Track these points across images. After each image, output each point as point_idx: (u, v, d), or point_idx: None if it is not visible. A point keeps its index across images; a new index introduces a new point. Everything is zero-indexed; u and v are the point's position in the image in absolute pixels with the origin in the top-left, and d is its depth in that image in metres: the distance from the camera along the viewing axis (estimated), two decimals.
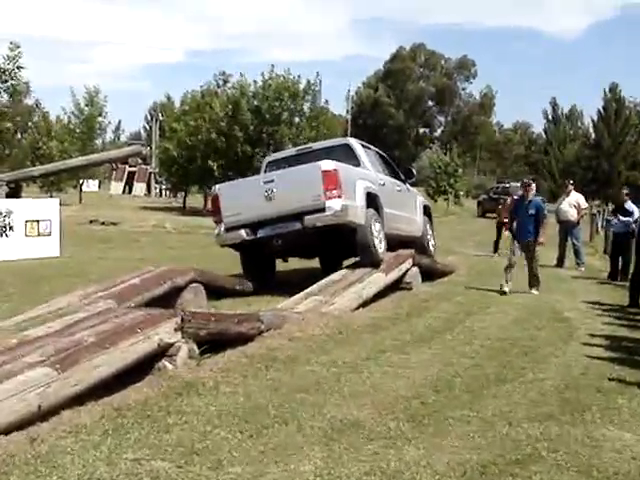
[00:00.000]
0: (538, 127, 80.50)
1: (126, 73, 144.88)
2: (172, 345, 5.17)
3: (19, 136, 36.29)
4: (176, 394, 4.65)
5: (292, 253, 10.28)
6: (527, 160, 79.07)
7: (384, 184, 10.52)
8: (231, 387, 4.90)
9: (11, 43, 20.43)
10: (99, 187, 49.79)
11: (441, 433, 4.15)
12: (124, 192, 51.24)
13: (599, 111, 60.23)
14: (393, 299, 9.08)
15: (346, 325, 7.07)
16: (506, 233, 10.69)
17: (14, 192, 15.85)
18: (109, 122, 36.60)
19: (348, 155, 10.23)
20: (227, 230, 9.49)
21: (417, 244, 11.51)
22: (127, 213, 26.43)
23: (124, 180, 52.80)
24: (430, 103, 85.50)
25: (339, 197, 8.92)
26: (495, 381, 5.33)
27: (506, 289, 10.10)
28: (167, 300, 7.50)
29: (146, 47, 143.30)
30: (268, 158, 12.00)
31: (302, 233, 9.06)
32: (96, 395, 4.44)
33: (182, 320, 5.27)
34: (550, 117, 69.51)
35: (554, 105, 69.41)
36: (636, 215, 12.49)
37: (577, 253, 14.53)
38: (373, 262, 9.35)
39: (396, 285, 9.58)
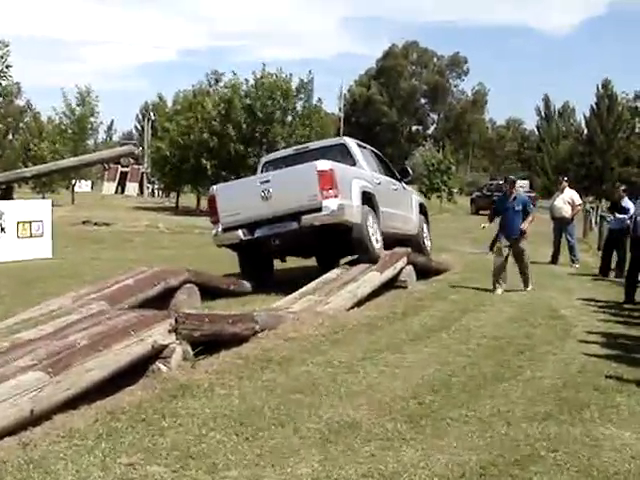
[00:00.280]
0: (531, 124, 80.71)
1: (119, 72, 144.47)
2: (166, 347, 5.11)
3: (10, 137, 36.15)
4: (170, 396, 4.60)
5: (289, 253, 10.31)
6: (520, 157, 79.19)
7: (380, 183, 10.58)
8: (226, 389, 4.85)
9: None
10: (92, 188, 49.66)
11: (439, 433, 4.11)
12: (117, 192, 51.24)
13: (592, 107, 60.47)
14: (388, 298, 9.04)
15: (341, 325, 7.02)
16: (485, 225, 10.64)
17: (6, 193, 15.77)
18: (101, 122, 36.61)
19: (344, 154, 10.31)
20: (224, 230, 9.51)
21: (413, 242, 11.63)
22: (120, 213, 26.36)
23: (117, 180, 52.78)
24: (423, 100, 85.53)
25: (335, 197, 8.96)
26: (492, 380, 5.30)
27: (499, 291, 9.85)
28: (161, 301, 7.45)
29: (139, 46, 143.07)
30: (264, 158, 12.03)
31: (299, 233, 9.10)
32: (89, 399, 4.39)
33: (176, 321, 5.22)
34: (543, 114, 69.72)
35: (547, 102, 69.64)
36: (631, 212, 12.47)
37: (571, 250, 14.50)
38: (371, 259, 9.43)
39: (391, 284, 9.56)
